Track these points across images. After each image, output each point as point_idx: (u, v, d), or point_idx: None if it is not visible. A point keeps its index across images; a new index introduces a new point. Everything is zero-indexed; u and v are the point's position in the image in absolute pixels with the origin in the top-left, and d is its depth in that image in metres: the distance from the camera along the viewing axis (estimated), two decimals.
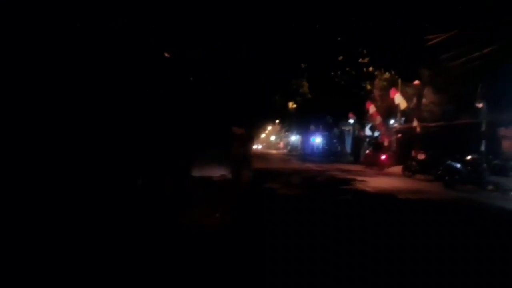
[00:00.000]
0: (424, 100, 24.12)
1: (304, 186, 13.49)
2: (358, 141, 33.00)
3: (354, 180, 16.16)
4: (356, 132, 34.87)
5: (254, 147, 79.19)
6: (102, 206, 6.69)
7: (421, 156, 20.38)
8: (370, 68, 20.80)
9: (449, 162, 15.50)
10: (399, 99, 23.29)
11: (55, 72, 6.93)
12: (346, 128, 37.70)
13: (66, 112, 7.24)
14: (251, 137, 40.84)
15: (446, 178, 15.17)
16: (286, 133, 71.01)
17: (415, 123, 23.10)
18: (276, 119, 44.40)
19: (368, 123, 31.55)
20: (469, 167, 15.01)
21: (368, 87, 26.65)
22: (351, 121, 35.32)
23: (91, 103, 7.80)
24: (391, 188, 13.80)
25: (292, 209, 9.25)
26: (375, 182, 15.66)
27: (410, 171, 20.12)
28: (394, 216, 8.68)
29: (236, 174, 14.23)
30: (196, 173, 13.24)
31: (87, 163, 7.39)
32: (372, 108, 26.75)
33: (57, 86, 7.12)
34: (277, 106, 28.02)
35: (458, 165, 15.11)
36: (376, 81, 26.94)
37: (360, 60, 19.34)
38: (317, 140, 47.07)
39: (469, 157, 15.32)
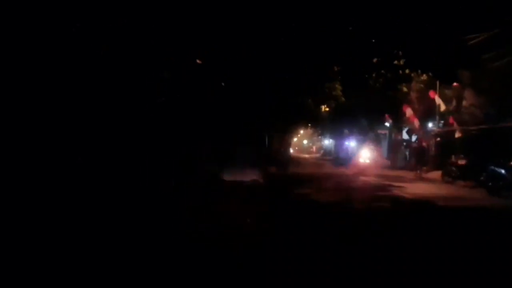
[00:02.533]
0: (464, 103, 23.18)
1: (337, 192, 13.09)
2: (395, 145, 32.14)
3: (391, 186, 15.61)
4: (393, 136, 34.00)
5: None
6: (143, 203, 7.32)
7: (462, 161, 19.58)
8: (407, 70, 20.13)
9: (492, 167, 14.73)
10: (439, 100, 22.52)
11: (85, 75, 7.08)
12: (382, 131, 36.84)
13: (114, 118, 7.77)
14: (288, 142, 40.55)
15: (490, 184, 14.43)
16: (319, 137, 70.28)
17: (455, 127, 22.24)
18: (309, 123, 43.92)
19: (405, 127, 30.71)
20: None
21: (405, 89, 25.85)
22: (387, 124, 34.53)
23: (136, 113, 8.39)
24: (431, 195, 13.20)
25: (325, 217, 8.86)
26: (414, 188, 15.07)
27: (450, 176, 19.33)
28: (440, 227, 8.17)
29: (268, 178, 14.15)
30: (230, 177, 13.48)
31: (132, 167, 8.10)
32: (409, 111, 25.96)
33: (92, 91, 7.36)
34: (310, 110, 27.54)
35: (503, 171, 14.34)
36: (413, 83, 26.11)
37: (395, 62, 18.78)
38: (351, 144, 46.30)
39: None
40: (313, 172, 21.80)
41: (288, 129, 31.55)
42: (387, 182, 16.80)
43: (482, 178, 15.31)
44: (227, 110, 14.71)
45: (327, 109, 42.13)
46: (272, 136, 24.27)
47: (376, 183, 16.43)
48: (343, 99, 23.40)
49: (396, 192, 13.91)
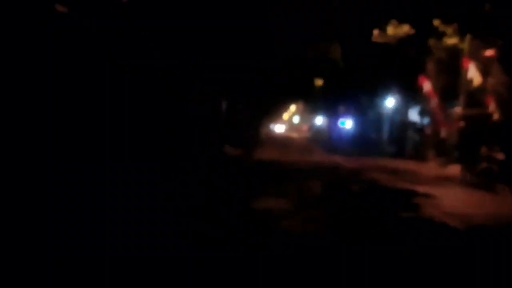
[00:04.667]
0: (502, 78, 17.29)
1: (330, 208, 7.21)
2: (403, 128, 26.15)
3: (413, 193, 9.67)
4: (399, 117, 28.08)
5: (277, 129, 73.19)
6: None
7: (500, 155, 14.10)
8: (437, 22, 14.07)
9: None
10: (473, 72, 16.50)
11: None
12: (384, 111, 30.87)
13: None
14: (265, 117, 34.46)
15: None
16: (311, 114, 64.12)
17: (491, 108, 16.34)
18: (298, 97, 38.16)
19: (416, 106, 24.75)
20: None
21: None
22: (391, 102, 28.71)
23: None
24: (493, 217, 7.40)
25: None
26: (452, 200, 9.25)
27: (476, 174, 14.14)
28: None
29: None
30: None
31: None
32: (426, 85, 19.94)
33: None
34: (299, 80, 21.65)
35: None
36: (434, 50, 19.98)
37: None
38: (347, 124, 40.36)
39: None
40: (294, 160, 15.81)
41: (265, 101, 25.72)
42: (403, 184, 10.87)
43: None
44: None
45: (320, 82, 36.32)
46: (236, 105, 18.44)
47: (389, 186, 10.45)
48: (342, 63, 17.21)
49: (428, 210, 7.97)
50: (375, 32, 17.04)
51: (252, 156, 16.36)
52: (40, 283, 3.65)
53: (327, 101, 38.14)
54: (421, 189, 10.21)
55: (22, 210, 4.90)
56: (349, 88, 27.53)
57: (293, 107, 69.49)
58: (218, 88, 11.84)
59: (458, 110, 20.06)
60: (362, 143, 30.88)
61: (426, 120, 23.86)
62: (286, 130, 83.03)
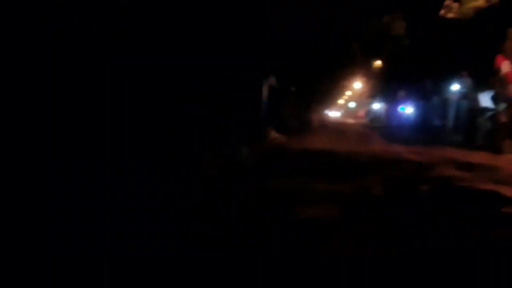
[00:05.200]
0: None
1: (394, 220, 5.45)
2: (472, 115, 23.36)
3: (501, 198, 7.63)
4: (467, 102, 25.22)
5: (331, 115, 70.75)
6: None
7: None
8: None
9: None
10: None
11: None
12: (451, 96, 27.99)
13: None
14: (315, 101, 32.31)
15: None
16: (368, 99, 61.06)
17: None
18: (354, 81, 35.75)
19: (488, 90, 21.93)
20: None
21: None
22: (456, 86, 26.00)
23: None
24: None
25: None
26: None
27: None
28: None
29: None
30: None
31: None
32: (506, 66, 17.30)
33: None
34: (354, 58, 19.65)
35: None
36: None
37: None
38: (408, 110, 37.49)
39: None
40: (349, 150, 13.89)
41: (316, 84, 23.93)
42: (485, 185, 8.77)
43: None
44: None
45: (380, 63, 33.82)
46: (276, 88, 16.83)
47: (467, 187, 8.38)
48: (406, 41, 14.95)
49: None
50: (447, 2, 14.74)
51: (299, 144, 14.68)
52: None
53: (387, 84, 35.54)
54: (509, 192, 8.13)
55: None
56: (412, 69, 25.03)
57: (348, 92, 66.67)
58: (259, 72, 10.39)
59: None
60: (424, 131, 28.27)
61: (502, 107, 21.06)
62: (342, 116, 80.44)
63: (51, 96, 5.18)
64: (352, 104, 79.98)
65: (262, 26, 10.45)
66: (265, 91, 12.71)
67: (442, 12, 15.92)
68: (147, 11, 6.41)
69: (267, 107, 13.59)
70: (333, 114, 74.37)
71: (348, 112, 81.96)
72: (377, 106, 55.44)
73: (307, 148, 14.04)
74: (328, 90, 33.67)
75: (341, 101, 78.91)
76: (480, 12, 16.08)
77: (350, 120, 59.91)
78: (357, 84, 53.23)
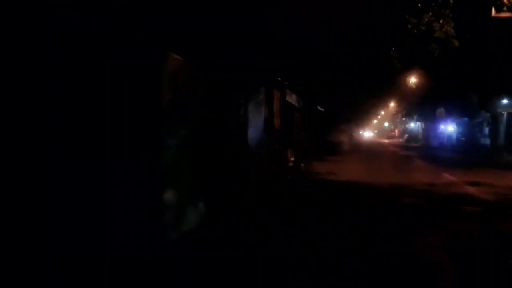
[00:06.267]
0: None
1: None
2: None
3: None
4: None
5: (365, 134, 67.30)
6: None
7: None
8: None
9: None
10: None
11: None
12: (500, 110, 24.70)
13: None
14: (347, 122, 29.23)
15: None
16: (403, 118, 57.51)
17: None
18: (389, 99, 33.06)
19: None
20: None
21: None
22: (507, 100, 23.05)
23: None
24: None
25: None
26: None
27: None
28: None
29: None
30: None
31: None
32: None
33: None
34: (392, 74, 16.99)
35: None
36: None
37: None
38: (449, 128, 34.08)
39: None
40: (389, 181, 10.99)
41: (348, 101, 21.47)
42: None
43: None
44: None
45: (414, 80, 30.85)
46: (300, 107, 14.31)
47: None
48: (456, 42, 12.00)
49: None
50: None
51: (323, 171, 12.07)
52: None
53: (424, 101, 32.43)
54: None
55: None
56: (455, 81, 22.07)
57: (382, 112, 63.37)
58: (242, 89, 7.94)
59: None
60: (470, 151, 25.00)
61: None
62: (376, 135, 77.17)
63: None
64: (386, 124, 76.61)
65: (269, 29, 8.14)
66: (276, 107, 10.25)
67: (493, 11, 13.07)
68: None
69: (283, 125, 11.05)
70: (367, 134, 71.21)
71: (382, 131, 78.59)
72: (413, 124, 51.92)
73: (332, 180, 11.32)
74: (362, 109, 30.83)
75: (375, 121, 75.72)
76: None
77: (385, 140, 56.45)
78: (391, 103, 49.99)
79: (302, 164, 13.12)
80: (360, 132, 61.30)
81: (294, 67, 11.02)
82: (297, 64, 11.03)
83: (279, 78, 11.13)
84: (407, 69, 19.84)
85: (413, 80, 31.82)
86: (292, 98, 13.08)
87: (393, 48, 11.61)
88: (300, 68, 11.90)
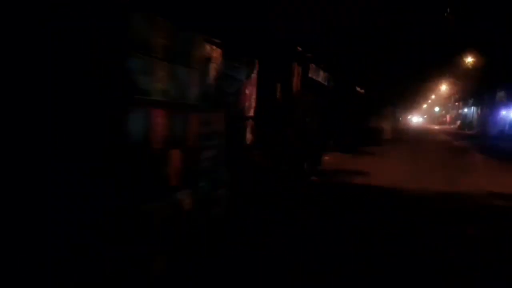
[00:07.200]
0: None
1: None
2: None
3: None
4: None
5: (414, 120, 62.96)
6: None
7: None
8: None
9: None
10: None
11: None
12: None
13: None
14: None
15: None
16: (456, 103, 53.04)
17: None
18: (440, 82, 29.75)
19: None
20: None
21: None
22: None
23: None
24: None
25: None
26: None
27: None
28: None
29: None
30: None
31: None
32: None
33: None
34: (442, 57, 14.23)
35: None
36: None
37: None
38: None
39: None
40: (442, 190, 8.21)
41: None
42: None
43: None
44: None
45: (471, 60, 27.40)
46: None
47: None
48: None
49: None
50: None
51: (355, 169, 9.51)
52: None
53: (481, 84, 28.81)
54: None
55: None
56: None
57: (432, 95, 59.08)
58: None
59: None
60: None
61: None
62: (425, 121, 72.83)
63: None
64: (436, 108, 71.95)
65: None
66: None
67: None
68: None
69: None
70: (415, 119, 66.89)
71: (432, 117, 74.03)
72: (467, 110, 47.52)
73: (356, 186, 8.60)
74: (410, 92, 27.60)
75: (424, 106, 71.26)
76: None
77: (435, 127, 52.28)
78: (443, 86, 45.84)
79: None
80: (408, 117, 57.27)
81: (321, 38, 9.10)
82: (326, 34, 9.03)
83: (300, 49, 8.83)
84: (463, 48, 16.81)
85: (469, 60, 28.28)
86: (318, 75, 10.56)
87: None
88: (331, 39, 9.72)
